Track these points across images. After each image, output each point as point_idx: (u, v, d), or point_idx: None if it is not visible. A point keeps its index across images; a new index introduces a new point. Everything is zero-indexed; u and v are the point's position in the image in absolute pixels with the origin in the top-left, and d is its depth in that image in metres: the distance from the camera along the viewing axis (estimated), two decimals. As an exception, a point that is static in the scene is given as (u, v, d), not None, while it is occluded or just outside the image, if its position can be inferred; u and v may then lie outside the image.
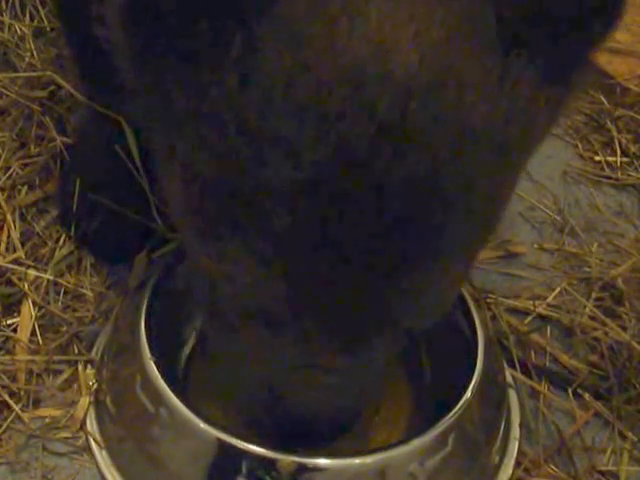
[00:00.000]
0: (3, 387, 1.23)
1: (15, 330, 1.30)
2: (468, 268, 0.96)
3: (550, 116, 0.90)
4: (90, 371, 1.26)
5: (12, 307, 1.33)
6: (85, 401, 1.22)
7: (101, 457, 1.17)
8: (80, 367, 1.27)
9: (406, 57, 0.76)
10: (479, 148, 0.81)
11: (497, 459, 1.20)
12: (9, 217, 1.40)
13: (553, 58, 0.83)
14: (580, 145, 1.78)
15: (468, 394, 1.13)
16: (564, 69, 0.85)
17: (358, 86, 0.76)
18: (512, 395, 1.30)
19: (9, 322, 1.31)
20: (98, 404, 1.21)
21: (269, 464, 1.03)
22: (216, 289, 0.93)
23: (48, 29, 1.73)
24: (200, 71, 0.80)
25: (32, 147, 1.52)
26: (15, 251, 1.37)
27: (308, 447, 1.05)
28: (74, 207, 1.38)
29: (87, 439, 1.19)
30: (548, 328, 1.42)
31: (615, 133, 1.78)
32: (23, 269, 1.35)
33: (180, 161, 0.87)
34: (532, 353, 1.38)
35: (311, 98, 0.76)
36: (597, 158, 1.76)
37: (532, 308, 1.43)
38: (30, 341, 1.29)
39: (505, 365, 1.31)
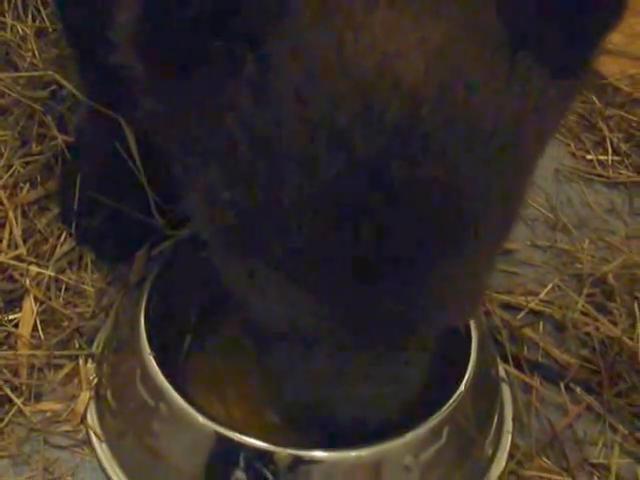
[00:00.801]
0: (5, 381, 1.24)
1: (17, 325, 1.31)
2: (491, 267, 0.95)
3: (560, 109, 0.90)
4: (91, 366, 1.27)
5: (14, 303, 1.34)
6: (86, 395, 1.23)
7: (101, 450, 1.18)
8: (81, 362, 1.28)
9: (412, 63, 0.76)
10: (492, 148, 0.81)
11: (490, 452, 1.21)
12: (11, 214, 1.41)
13: (561, 54, 0.83)
14: (572, 144, 1.78)
15: (462, 388, 1.13)
16: (572, 63, 0.85)
17: (366, 96, 0.76)
18: (505, 389, 1.30)
19: (11, 317, 1.32)
20: (98, 398, 1.22)
21: (266, 457, 1.04)
22: (252, 307, 0.93)
23: (50, 30, 1.73)
24: (213, 93, 0.80)
25: (34, 146, 1.52)
26: (17, 248, 1.38)
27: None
28: (75, 205, 1.39)
29: (88, 433, 1.20)
30: (541, 323, 1.43)
31: (606, 132, 1.78)
32: (25, 265, 1.36)
33: (198, 187, 0.87)
34: (525, 348, 1.38)
35: (322, 111, 0.76)
36: (589, 157, 1.76)
37: (525, 304, 1.43)
38: (32, 336, 1.30)
39: (498, 359, 1.31)
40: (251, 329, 1.00)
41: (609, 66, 1.87)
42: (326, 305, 0.85)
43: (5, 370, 1.25)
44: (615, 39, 1.87)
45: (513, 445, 1.24)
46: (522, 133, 0.83)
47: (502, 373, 1.32)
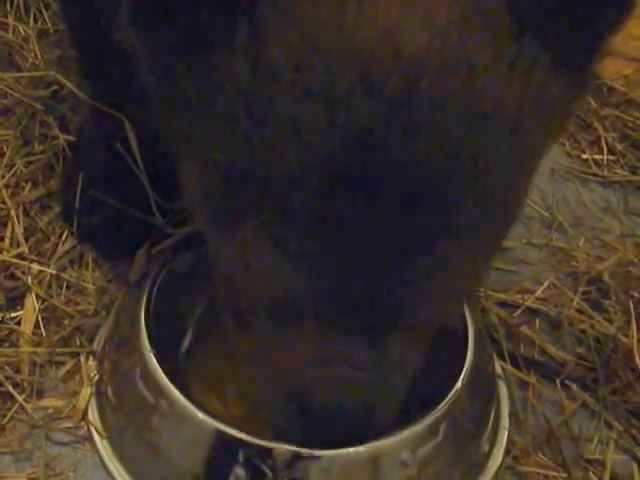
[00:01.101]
0: (7, 378, 1.24)
1: (19, 323, 1.31)
2: (487, 261, 0.94)
3: (568, 103, 0.89)
4: (92, 363, 1.27)
5: (16, 300, 1.34)
6: (87, 392, 1.23)
7: (102, 446, 1.18)
8: (82, 359, 1.28)
9: (415, 37, 0.76)
10: (492, 131, 0.80)
11: (487, 448, 1.21)
12: (13, 213, 1.41)
13: (567, 44, 0.82)
14: (568, 143, 1.79)
15: (459, 385, 1.14)
16: (579, 55, 0.85)
17: (367, 66, 0.75)
18: (502, 386, 1.30)
19: (13, 315, 1.32)
20: (99, 395, 1.22)
21: (265, 453, 1.04)
22: (235, 282, 0.92)
23: (51, 31, 1.74)
24: (209, 61, 0.80)
25: (36, 145, 1.52)
26: (19, 246, 1.38)
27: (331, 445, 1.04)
28: (76, 203, 1.39)
29: (89, 429, 1.20)
30: (537, 321, 1.43)
31: (602, 132, 1.79)
32: (27, 263, 1.36)
33: (196, 150, 0.87)
34: (521, 345, 1.39)
35: (320, 80, 0.76)
36: (584, 156, 1.76)
37: (521, 301, 1.44)
38: (33, 333, 1.30)
39: (495, 357, 1.32)
40: (230, 306, 0.97)
41: (604, 66, 1.85)
42: (314, 278, 0.84)
43: (7, 367, 1.25)
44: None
45: (510, 441, 1.24)
46: (522, 123, 0.82)
47: (499, 370, 1.32)
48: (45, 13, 1.76)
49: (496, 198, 0.84)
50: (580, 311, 1.44)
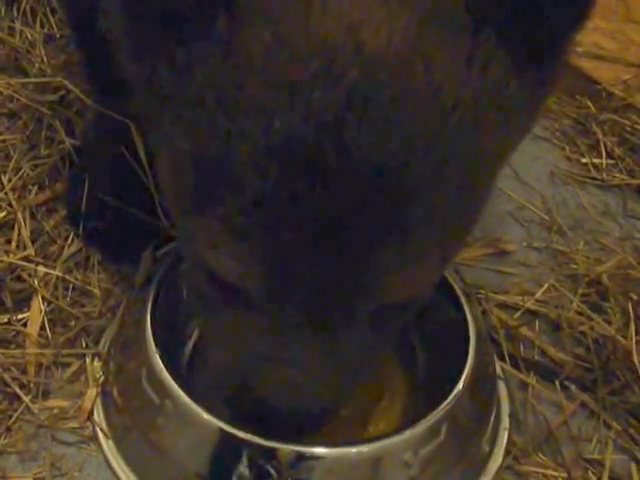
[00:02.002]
0: (13, 379, 1.24)
1: (25, 324, 1.31)
2: (446, 258, 0.94)
3: (530, 101, 0.90)
4: (97, 364, 1.27)
5: (22, 302, 1.34)
6: (92, 393, 1.23)
7: (107, 446, 1.18)
8: (88, 360, 1.28)
9: (376, 33, 0.79)
10: (449, 127, 0.82)
11: (487, 448, 1.22)
12: (20, 216, 1.41)
13: (524, 41, 0.84)
14: (567, 148, 1.80)
15: (460, 386, 1.14)
16: (535, 55, 0.86)
17: (329, 58, 0.78)
18: (502, 387, 1.31)
19: (19, 317, 1.32)
20: (105, 396, 1.23)
21: (269, 453, 1.04)
22: (201, 263, 0.93)
23: (58, 35, 1.74)
24: (188, 50, 0.84)
25: (42, 149, 1.53)
26: (25, 249, 1.38)
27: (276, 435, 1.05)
28: (82, 207, 1.39)
29: (94, 429, 1.21)
30: (536, 323, 1.44)
31: (600, 136, 1.80)
32: (33, 266, 1.36)
33: (166, 137, 0.89)
34: (521, 346, 1.39)
35: (285, 69, 0.79)
36: (583, 160, 1.78)
37: (521, 303, 1.45)
38: (40, 335, 1.30)
39: (495, 358, 1.32)
40: (199, 292, 0.99)
41: (603, 72, 1.89)
42: (273, 267, 0.86)
43: (13, 368, 1.26)
44: (609, 46, 1.92)
45: (510, 441, 1.25)
46: (481, 118, 0.84)
47: (499, 371, 1.32)
48: (52, 18, 1.76)
49: (453, 192, 0.85)
50: (579, 313, 1.45)
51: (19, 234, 1.40)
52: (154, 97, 0.90)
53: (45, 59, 1.67)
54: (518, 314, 1.45)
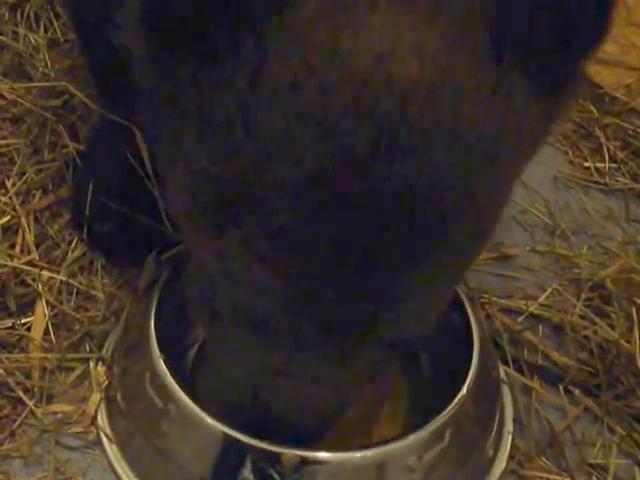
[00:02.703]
0: (18, 384, 1.24)
1: (29, 329, 1.31)
2: (459, 277, 0.96)
3: (543, 127, 0.91)
4: (101, 368, 1.28)
5: (26, 307, 1.34)
6: (96, 397, 1.24)
7: (111, 451, 1.19)
8: (91, 364, 1.29)
9: (405, 64, 0.79)
10: (473, 158, 0.83)
11: (491, 453, 1.22)
12: (24, 220, 1.41)
13: (544, 71, 0.85)
14: (570, 152, 1.80)
15: (464, 390, 1.15)
16: (555, 81, 0.88)
17: (360, 89, 0.78)
18: (506, 391, 1.31)
19: (23, 321, 1.32)
20: (109, 400, 1.23)
21: (273, 458, 1.05)
22: (215, 288, 0.93)
23: (62, 40, 1.74)
24: (213, 71, 0.83)
25: (46, 153, 1.52)
26: (30, 253, 1.38)
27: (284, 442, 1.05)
28: (86, 211, 1.39)
29: (98, 434, 1.21)
30: (540, 327, 1.44)
31: (603, 140, 1.80)
32: (37, 270, 1.36)
33: (185, 155, 0.88)
34: (525, 351, 1.39)
35: (315, 99, 0.79)
36: (586, 164, 1.77)
37: (525, 308, 1.45)
38: (44, 339, 1.30)
39: (499, 362, 1.32)
40: (214, 314, 0.99)
41: (606, 76, 1.88)
42: (293, 293, 0.86)
43: (17, 372, 1.26)
44: (611, 50, 1.91)
45: (513, 446, 1.25)
46: (503, 145, 0.85)
47: (503, 375, 1.33)
48: (55, 23, 1.76)
49: (471, 220, 0.87)
50: (583, 317, 1.45)
51: (23, 238, 1.40)
52: (176, 115, 0.89)
53: (49, 64, 1.67)
54: (521, 318, 1.45)
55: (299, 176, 0.80)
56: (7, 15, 1.77)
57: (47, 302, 1.34)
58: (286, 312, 0.88)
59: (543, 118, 0.89)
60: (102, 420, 1.22)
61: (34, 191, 1.48)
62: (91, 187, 1.39)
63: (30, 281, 1.36)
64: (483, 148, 0.83)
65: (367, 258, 0.83)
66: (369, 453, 1.07)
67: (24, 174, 1.49)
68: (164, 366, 1.13)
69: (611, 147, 1.79)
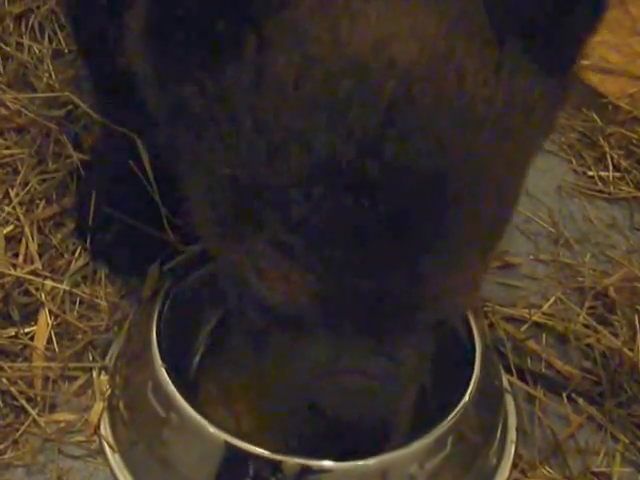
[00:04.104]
0: (20, 393, 1.24)
1: (32, 338, 1.31)
2: (486, 257, 0.94)
3: (552, 106, 0.92)
4: (104, 377, 1.28)
5: (30, 316, 1.34)
6: (99, 406, 1.24)
7: (114, 460, 1.18)
8: (94, 374, 1.29)
9: (406, 47, 0.80)
10: (483, 132, 0.83)
11: (494, 461, 1.22)
12: (27, 230, 1.41)
13: (547, 49, 0.86)
14: (574, 161, 1.80)
15: (466, 398, 1.14)
16: (557, 62, 0.89)
17: (363, 74, 0.79)
18: (509, 400, 1.31)
19: (27, 330, 1.32)
20: (111, 409, 1.23)
21: (275, 466, 1.04)
22: (247, 290, 0.92)
23: (66, 51, 1.74)
24: (217, 73, 0.84)
25: (50, 163, 1.53)
26: (33, 263, 1.38)
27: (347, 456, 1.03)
28: (90, 221, 1.39)
29: (101, 442, 1.21)
30: (543, 335, 1.44)
31: (607, 149, 1.80)
32: (40, 280, 1.36)
33: (203, 166, 0.89)
34: (528, 359, 1.39)
35: (320, 89, 0.80)
36: (590, 173, 1.77)
37: (528, 316, 1.45)
38: (47, 349, 1.30)
39: (502, 371, 1.32)
40: (244, 321, 0.99)
41: (609, 85, 1.89)
42: (325, 284, 0.86)
43: (20, 382, 1.26)
44: (615, 59, 1.91)
45: (517, 454, 1.25)
46: (512, 121, 0.86)
47: (506, 384, 1.32)
48: (59, 33, 1.77)
49: (490, 195, 0.87)
50: (586, 326, 1.45)
51: (26, 248, 1.40)
52: (188, 128, 0.90)
53: (53, 74, 1.67)
54: (525, 327, 1.45)
55: (313, 164, 0.81)
56: (12, 26, 1.78)
57: (50, 311, 1.34)
58: (320, 308, 0.88)
59: (550, 97, 0.90)
60: (105, 429, 1.22)
61: (38, 201, 1.49)
62: (94, 197, 1.39)
63: (33, 290, 1.36)
64: (492, 122, 0.84)
65: (391, 241, 0.83)
66: (371, 461, 1.06)
67: (28, 184, 1.50)
68: (166, 375, 1.13)
69: (615, 156, 1.79)
